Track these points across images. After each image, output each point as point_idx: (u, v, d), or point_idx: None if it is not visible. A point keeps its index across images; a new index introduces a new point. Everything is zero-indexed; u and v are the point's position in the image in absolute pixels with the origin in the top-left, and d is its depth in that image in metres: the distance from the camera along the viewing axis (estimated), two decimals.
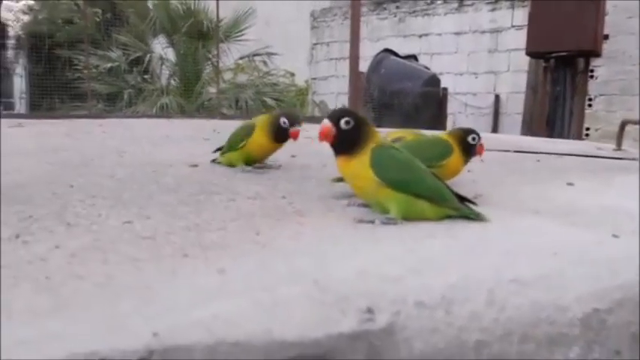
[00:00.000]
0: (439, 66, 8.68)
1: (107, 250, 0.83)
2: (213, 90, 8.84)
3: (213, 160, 1.78)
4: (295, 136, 1.56)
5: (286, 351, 0.60)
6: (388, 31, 9.52)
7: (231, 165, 1.68)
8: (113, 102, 9.21)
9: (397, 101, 7.00)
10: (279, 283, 0.71)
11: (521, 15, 7.76)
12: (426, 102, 7.13)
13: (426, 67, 8.08)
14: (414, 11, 9.27)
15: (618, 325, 0.76)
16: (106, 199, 1.19)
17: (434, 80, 7.59)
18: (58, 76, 9.42)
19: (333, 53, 10.16)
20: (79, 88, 8.66)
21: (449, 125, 7.77)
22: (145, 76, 9.68)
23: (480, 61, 8.61)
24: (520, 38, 7.01)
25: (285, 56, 9.76)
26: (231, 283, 0.72)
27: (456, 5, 8.83)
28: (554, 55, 5.90)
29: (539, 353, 0.70)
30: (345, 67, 6.83)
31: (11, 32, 12.16)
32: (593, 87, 6.58)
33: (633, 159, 2.57)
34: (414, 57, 8.34)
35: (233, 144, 1.65)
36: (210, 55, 9.30)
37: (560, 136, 5.69)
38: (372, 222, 1.05)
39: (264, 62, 9.88)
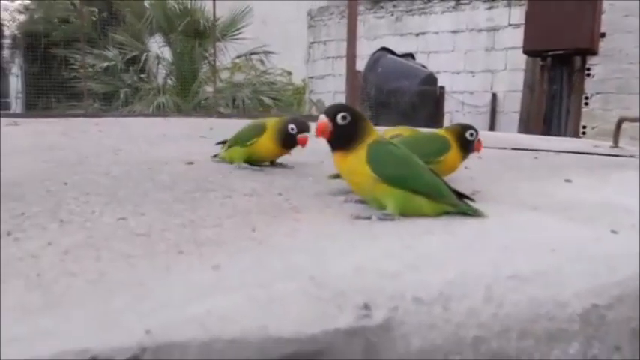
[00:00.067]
0: (436, 64, 8.68)
1: (100, 247, 0.82)
2: (210, 89, 8.83)
3: (215, 156, 1.77)
4: (303, 143, 1.56)
5: (282, 347, 0.59)
6: (385, 29, 9.52)
7: (230, 161, 1.66)
8: (109, 101, 9.18)
9: (394, 100, 7.00)
10: (275, 279, 0.70)
11: (518, 13, 7.78)
12: (423, 100, 7.13)
13: (423, 66, 8.08)
14: (411, 10, 9.27)
15: (618, 320, 0.75)
16: (100, 197, 1.18)
17: (431, 79, 7.59)
18: (54, 76, 9.39)
19: (330, 52, 10.15)
20: (75, 88, 8.64)
21: (446, 124, 7.77)
22: (142, 75, 9.66)
23: (477, 59, 8.61)
24: (517, 37, 7.02)
25: (282, 55, 9.75)
26: (227, 279, 0.71)
27: (452, 4, 8.83)
28: (551, 53, 5.90)
29: (538, 349, 0.69)
30: (342, 66, 6.83)
31: (7, 32, 12.12)
32: (589, 85, 6.59)
33: (630, 156, 2.57)
34: (411, 55, 8.33)
35: (241, 140, 1.64)
36: (206, 54, 9.29)
37: (557, 134, 5.70)
38: (369, 218, 1.04)
39: (261, 61, 9.87)
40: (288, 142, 1.57)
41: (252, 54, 9.71)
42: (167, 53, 9.64)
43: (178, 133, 2.88)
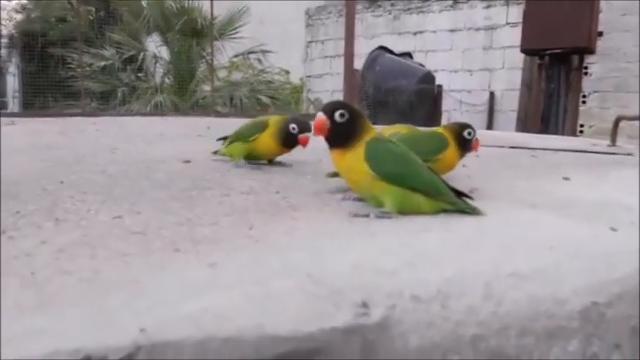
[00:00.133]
0: (434, 63, 8.67)
1: (96, 246, 0.82)
2: (207, 88, 8.82)
3: (216, 152, 1.75)
4: (305, 143, 1.54)
5: (279, 346, 0.58)
6: (383, 28, 9.51)
7: (231, 156, 1.65)
8: (107, 100, 9.17)
9: (392, 99, 7.00)
10: (272, 276, 0.69)
11: (516, 12, 7.77)
12: (421, 99, 7.13)
13: (421, 65, 8.07)
14: (409, 9, 9.26)
15: (617, 318, 0.75)
16: (96, 195, 1.17)
17: (429, 77, 7.59)
18: (51, 75, 9.37)
19: (327, 51, 10.14)
20: (72, 87, 8.62)
21: (444, 122, 7.77)
22: (139, 75, 9.64)
23: (475, 58, 8.61)
24: (515, 35, 7.02)
25: (279, 54, 9.75)
26: (223, 277, 0.70)
27: (450, 2, 8.83)
28: (548, 52, 5.91)
29: (538, 347, 0.69)
30: (339, 65, 6.81)
31: (4, 31, 12.08)
32: (587, 84, 6.58)
33: (628, 154, 2.57)
34: (408, 54, 8.33)
35: (243, 135, 1.62)
36: (204, 53, 9.27)
37: (555, 132, 5.70)
38: (367, 216, 1.03)
39: (259, 60, 9.87)
40: (289, 141, 1.56)
41: (249, 53, 9.70)
42: (164, 52, 9.62)
43: (176, 132, 2.87)
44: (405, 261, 0.77)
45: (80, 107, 7.16)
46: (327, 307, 0.63)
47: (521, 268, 0.77)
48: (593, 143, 3.12)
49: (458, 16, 8.77)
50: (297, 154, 1.65)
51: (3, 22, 11.76)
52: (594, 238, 0.95)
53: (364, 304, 0.64)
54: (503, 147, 2.57)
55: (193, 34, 9.09)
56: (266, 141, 1.58)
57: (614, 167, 2.04)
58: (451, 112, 8.69)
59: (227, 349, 0.57)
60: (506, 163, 2.07)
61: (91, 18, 10.63)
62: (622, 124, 3.19)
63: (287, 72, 10.86)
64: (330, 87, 9.78)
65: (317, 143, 1.42)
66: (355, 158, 1.06)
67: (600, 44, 6.23)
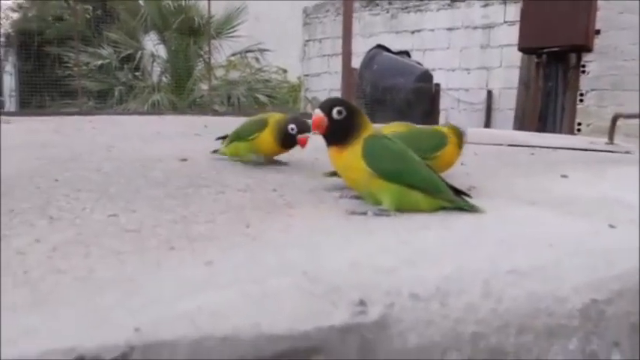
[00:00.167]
0: (431, 62, 8.66)
1: (90, 244, 0.80)
2: (205, 87, 8.81)
3: (215, 151, 1.74)
4: (303, 144, 1.52)
5: (275, 345, 0.57)
6: (380, 27, 9.50)
7: (236, 155, 1.64)
8: (104, 99, 9.15)
9: (390, 97, 6.99)
10: (269, 274, 0.69)
11: (514, 11, 7.77)
12: (419, 98, 7.13)
13: (419, 63, 8.06)
14: (407, 7, 9.25)
15: (617, 315, 0.74)
16: (91, 193, 1.16)
17: (426, 76, 7.58)
18: (47, 74, 9.36)
19: (325, 49, 10.12)
20: (69, 86, 8.60)
21: (441, 121, 7.77)
22: (136, 73, 9.63)
23: (473, 56, 8.60)
24: (512, 34, 7.01)
25: (277, 53, 9.74)
26: (219, 275, 0.69)
27: (448, 1, 8.82)
28: (546, 50, 5.91)
29: (538, 345, 0.68)
30: (337, 64, 6.80)
31: (1, 30, 12.04)
32: (584, 82, 6.58)
33: (626, 152, 2.57)
34: (406, 53, 8.32)
35: (243, 134, 1.61)
36: (201, 52, 9.27)
37: (553, 131, 5.70)
38: (365, 213, 1.02)
39: (257, 59, 9.86)
40: (287, 141, 1.54)
41: (247, 52, 9.70)
42: (162, 51, 9.61)
43: (173, 130, 2.85)
44: (404, 259, 0.77)
45: (77, 106, 7.14)
46: (324, 305, 0.62)
47: (520, 266, 0.76)
48: (591, 141, 3.12)
49: (455, 14, 8.76)
50: (294, 151, 1.64)
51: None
52: (593, 236, 0.94)
53: (362, 303, 0.63)
54: (501, 145, 2.56)
55: (191, 33, 9.08)
56: (266, 139, 1.56)
57: (612, 165, 2.04)
58: (449, 110, 8.69)
59: (223, 348, 0.56)
60: (505, 160, 2.07)
61: (88, 17, 10.60)
62: (619, 122, 3.19)
63: (284, 71, 10.86)
64: (328, 86, 9.76)
65: (314, 140, 1.41)
66: (353, 155, 1.05)
67: (597, 42, 6.22)
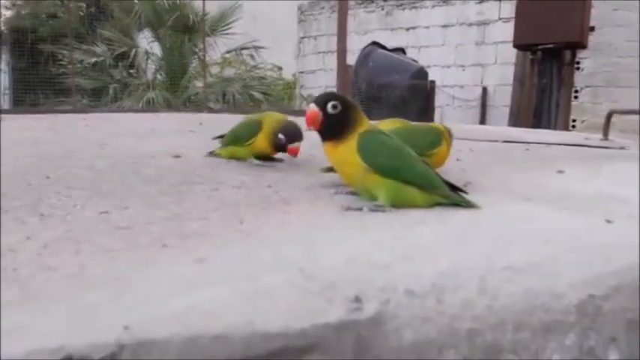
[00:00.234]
0: (426, 59, 8.65)
1: (81, 241, 0.79)
2: (200, 84, 8.77)
3: (211, 152, 1.70)
4: (294, 154, 1.48)
5: (269, 342, 0.56)
6: (375, 24, 9.48)
7: (234, 158, 1.62)
8: (98, 97, 9.10)
9: (385, 94, 6.97)
10: (263, 271, 0.68)
11: (509, 7, 7.76)
12: (414, 95, 7.11)
13: (414, 60, 8.04)
14: (402, 4, 9.24)
15: (614, 311, 0.74)
16: (83, 190, 1.15)
17: (421, 73, 7.56)
18: (41, 72, 9.29)
19: (320, 47, 10.10)
20: (63, 84, 8.53)
21: (436, 118, 7.77)
22: (131, 71, 9.57)
23: (468, 53, 8.60)
24: (507, 31, 7.00)
25: (272, 50, 9.70)
26: (212, 272, 0.68)
27: None
28: (541, 47, 5.90)
29: (535, 341, 0.67)
30: (332, 61, 6.78)
31: None
32: (579, 79, 6.60)
33: (621, 148, 2.57)
34: (401, 50, 8.30)
35: (240, 140, 1.59)
36: (196, 49, 9.22)
37: (547, 127, 5.70)
38: (360, 209, 1.01)
39: (252, 56, 9.82)
40: (279, 149, 1.52)
41: (242, 49, 9.65)
42: (156, 48, 9.55)
43: (167, 128, 2.84)
44: (399, 254, 0.76)
45: (71, 104, 7.09)
46: (319, 302, 0.61)
47: (516, 262, 0.75)
48: (586, 137, 3.12)
49: (450, 11, 8.75)
50: None
51: None
52: (590, 231, 0.94)
53: (357, 299, 0.62)
54: (496, 141, 2.56)
55: (185, 30, 9.02)
56: (262, 145, 1.54)
57: (607, 161, 2.03)
58: (444, 107, 8.69)
59: (216, 346, 0.55)
60: (500, 157, 2.06)
61: (82, 14, 10.52)
62: (614, 118, 3.19)
63: (280, 68, 10.82)
64: (323, 83, 9.74)
65: (309, 137, 1.40)
66: (348, 151, 1.04)
67: (592, 39, 6.24)
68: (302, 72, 10.57)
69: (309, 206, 1.09)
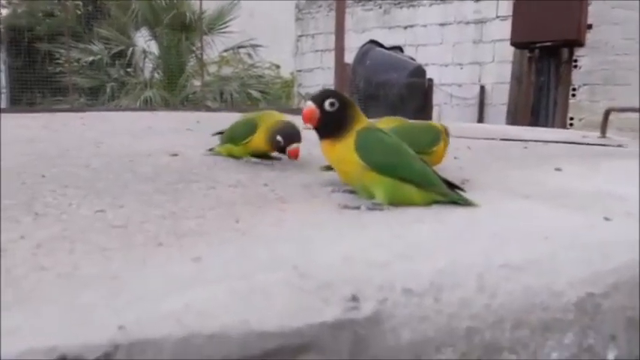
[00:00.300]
0: (424, 57, 8.65)
1: (75, 240, 0.78)
2: (197, 83, 8.76)
3: (211, 149, 1.69)
4: (295, 156, 1.44)
5: (264, 342, 0.55)
6: (373, 22, 9.47)
7: (232, 157, 1.61)
8: (96, 96, 9.08)
9: (383, 92, 6.97)
10: (259, 270, 0.67)
11: (506, 5, 7.76)
12: (412, 93, 7.10)
13: (412, 59, 8.04)
14: (399, 2, 9.23)
15: (613, 309, 0.73)
16: (78, 189, 1.14)
17: (419, 71, 7.56)
18: (38, 70, 9.26)
19: (318, 45, 10.08)
20: (60, 82, 8.52)
21: (434, 116, 7.76)
22: (128, 70, 9.55)
23: (465, 51, 8.59)
24: (505, 29, 7.00)
25: (270, 48, 9.69)
26: (207, 271, 0.67)
27: None
28: (538, 45, 5.91)
29: (533, 340, 0.67)
30: (330, 59, 6.78)
31: None
32: (576, 77, 6.60)
33: (618, 145, 2.57)
34: (399, 48, 8.29)
35: (237, 138, 1.58)
36: (193, 48, 9.20)
37: (545, 125, 5.71)
38: (358, 208, 1.01)
39: (249, 54, 9.81)
40: (278, 150, 1.49)
41: (239, 47, 9.64)
42: (154, 47, 9.54)
43: (165, 126, 2.82)
44: (397, 253, 0.75)
45: (68, 103, 7.07)
46: (315, 301, 0.61)
47: (514, 259, 0.75)
48: (584, 135, 3.12)
49: (448, 9, 8.74)
50: None
51: None
52: (589, 228, 0.93)
53: (354, 298, 0.62)
54: (494, 139, 2.55)
55: (182, 29, 9.01)
56: (259, 144, 1.52)
57: (605, 158, 2.03)
58: (442, 105, 8.69)
59: (211, 346, 0.54)
60: (498, 154, 2.06)
61: (79, 12, 10.49)
62: (611, 116, 3.19)
63: (277, 66, 10.81)
64: (321, 81, 9.72)
65: (306, 135, 1.40)
66: (345, 148, 1.03)
67: (589, 37, 6.24)
68: (300, 70, 10.56)
69: (306, 204, 1.08)
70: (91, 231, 0.84)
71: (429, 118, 6.79)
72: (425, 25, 8.98)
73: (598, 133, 3.05)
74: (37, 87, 9.10)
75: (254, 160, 1.56)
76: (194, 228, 0.87)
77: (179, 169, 1.42)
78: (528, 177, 1.47)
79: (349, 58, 6.73)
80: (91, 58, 9.06)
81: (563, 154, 2.16)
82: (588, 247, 0.82)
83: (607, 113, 3.12)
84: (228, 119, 1.71)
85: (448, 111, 8.53)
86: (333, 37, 5.42)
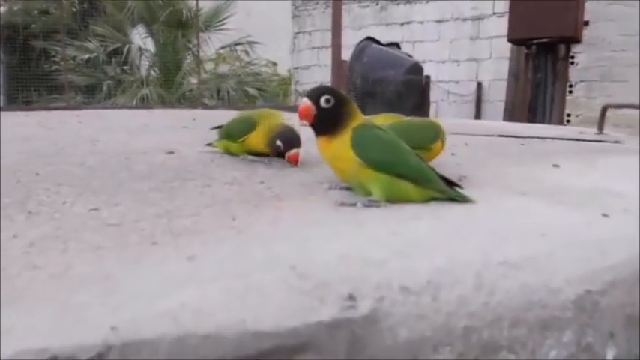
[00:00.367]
0: (421, 54, 8.63)
1: (68, 239, 0.77)
2: (194, 80, 8.74)
3: (209, 144, 1.68)
4: (295, 162, 1.41)
5: (261, 342, 0.55)
6: (370, 19, 9.45)
7: (229, 153, 1.60)
8: (92, 94, 9.05)
9: (380, 89, 6.95)
10: (255, 269, 0.66)
11: (503, 2, 7.75)
12: (409, 90, 7.09)
13: (409, 55, 8.02)
14: None
15: (612, 306, 0.73)
16: (73, 187, 1.13)
17: (416, 68, 7.54)
18: (34, 68, 9.22)
19: (315, 42, 10.06)
20: (56, 80, 8.49)
21: (432, 113, 7.76)
22: (124, 67, 9.52)
23: (462, 48, 8.59)
24: (502, 25, 7.00)
25: (266, 46, 9.67)
26: (203, 270, 0.66)
27: None
28: (535, 41, 5.90)
29: (532, 338, 0.66)
30: (327, 56, 6.76)
31: None
32: (573, 73, 6.60)
33: (615, 142, 2.57)
34: (396, 45, 8.27)
35: (233, 136, 1.56)
36: (190, 45, 9.18)
37: (542, 122, 5.71)
38: (355, 205, 1.00)
39: (246, 52, 9.79)
40: (277, 155, 1.47)
41: (236, 45, 9.62)
42: (150, 44, 9.51)
43: (161, 124, 2.81)
44: (394, 250, 0.74)
45: (65, 101, 7.05)
46: (312, 300, 0.60)
47: (512, 257, 0.74)
48: (581, 132, 3.11)
49: (445, 6, 8.73)
50: None
51: None
52: (587, 225, 0.93)
53: (351, 297, 0.61)
54: (491, 136, 2.55)
55: (179, 26, 8.99)
56: (256, 142, 1.51)
57: (602, 155, 2.03)
58: (439, 102, 8.68)
59: (206, 346, 0.53)
60: (495, 151, 2.05)
61: (74, 10, 10.43)
62: (608, 112, 3.19)
63: (274, 64, 10.79)
64: (318, 78, 9.70)
65: (304, 132, 1.39)
66: (342, 145, 1.02)
67: (586, 34, 6.24)
68: (297, 67, 10.53)
69: (302, 202, 1.07)
70: (84, 230, 0.83)
71: (427, 114, 6.78)
72: (422, 22, 8.97)
73: (595, 130, 3.04)
74: (33, 85, 9.05)
75: (250, 157, 1.55)
76: (189, 226, 0.86)
77: (175, 166, 1.41)
78: (526, 174, 1.47)
79: (346, 55, 6.71)
80: (87, 56, 9.03)
81: (561, 150, 2.15)
82: (586, 244, 0.81)
83: (604, 110, 3.11)
84: (224, 117, 1.70)
85: (445, 108, 8.53)
86: (329, 34, 5.42)
